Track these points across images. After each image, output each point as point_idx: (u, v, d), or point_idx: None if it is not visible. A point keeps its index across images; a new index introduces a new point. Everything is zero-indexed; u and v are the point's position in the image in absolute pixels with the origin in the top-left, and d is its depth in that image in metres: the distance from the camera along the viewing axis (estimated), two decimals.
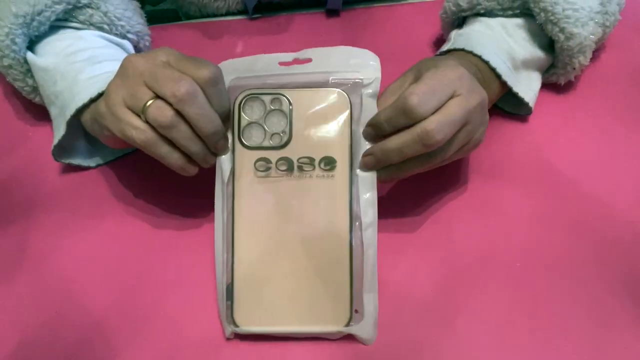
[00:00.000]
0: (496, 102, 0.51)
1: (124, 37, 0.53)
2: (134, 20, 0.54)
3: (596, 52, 0.56)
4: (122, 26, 0.52)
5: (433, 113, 0.37)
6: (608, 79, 0.55)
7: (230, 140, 0.41)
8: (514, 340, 0.40)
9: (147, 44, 0.57)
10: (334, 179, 0.40)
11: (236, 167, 0.41)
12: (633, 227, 0.45)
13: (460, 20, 0.54)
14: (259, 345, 0.40)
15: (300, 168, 0.40)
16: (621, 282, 0.42)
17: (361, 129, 0.41)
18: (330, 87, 0.41)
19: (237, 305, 0.40)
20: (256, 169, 0.41)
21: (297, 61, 0.43)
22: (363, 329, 0.39)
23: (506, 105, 0.52)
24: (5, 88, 0.58)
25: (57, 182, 0.51)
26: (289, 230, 0.40)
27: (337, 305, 0.39)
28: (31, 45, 0.50)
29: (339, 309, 0.39)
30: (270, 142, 0.41)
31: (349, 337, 0.40)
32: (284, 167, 0.40)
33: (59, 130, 0.47)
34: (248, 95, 0.41)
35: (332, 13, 0.65)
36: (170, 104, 0.37)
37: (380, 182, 0.41)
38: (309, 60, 0.42)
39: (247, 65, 0.43)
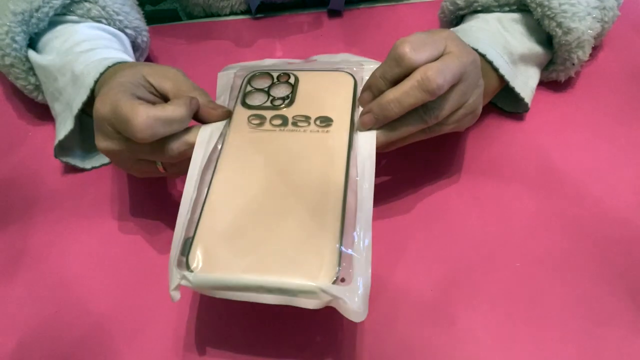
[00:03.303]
0: (493, 101, 0.51)
1: (122, 31, 0.53)
2: (132, 15, 0.54)
3: (595, 51, 0.56)
4: (120, 21, 0.53)
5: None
6: (607, 77, 0.55)
7: (232, 105, 0.42)
8: (513, 340, 0.39)
9: (145, 39, 0.57)
10: (329, 133, 0.39)
11: (232, 119, 0.41)
12: (633, 227, 0.44)
13: (458, 20, 0.54)
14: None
15: (294, 124, 0.40)
16: (621, 282, 0.41)
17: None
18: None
19: (196, 245, 0.33)
20: (249, 122, 0.40)
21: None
22: (351, 293, 0.31)
23: (504, 104, 0.52)
24: (5, 88, 0.58)
25: (57, 182, 0.51)
26: (274, 181, 0.37)
27: (321, 258, 0.32)
28: (32, 43, 0.50)
29: (324, 261, 0.32)
30: (271, 104, 0.41)
31: (348, 336, 0.39)
32: (277, 122, 0.40)
33: (65, 125, 0.47)
34: (257, 72, 0.42)
35: (335, 13, 0.65)
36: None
37: (378, 148, 0.40)
38: (314, 61, 0.44)
39: (254, 64, 0.44)
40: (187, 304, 0.42)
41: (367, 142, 0.39)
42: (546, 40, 0.50)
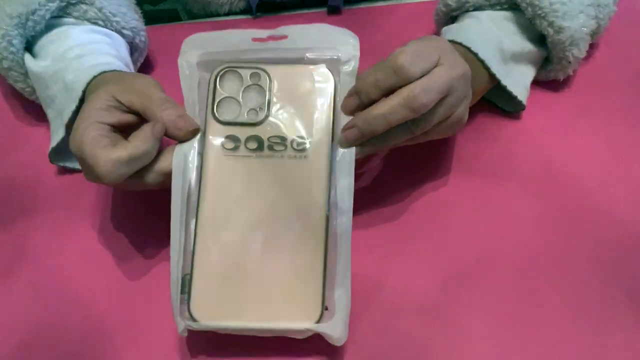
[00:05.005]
0: (491, 100, 0.51)
1: (119, 32, 0.53)
2: (129, 16, 0.54)
3: (594, 50, 0.55)
4: (117, 22, 0.52)
5: (419, 78, 0.37)
6: (606, 76, 0.55)
7: (203, 114, 0.39)
8: (514, 341, 0.39)
9: (143, 39, 0.56)
10: (307, 159, 0.38)
11: (207, 141, 0.38)
12: (633, 227, 0.44)
13: (453, 20, 0.54)
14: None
15: (270, 147, 0.38)
16: (621, 282, 0.41)
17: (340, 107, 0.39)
18: (306, 63, 0.39)
19: (195, 296, 0.36)
20: (223, 146, 0.38)
21: (271, 38, 0.41)
22: (333, 327, 0.35)
23: (504, 104, 0.52)
24: (5, 88, 0.58)
25: (57, 182, 0.51)
26: (258, 216, 0.37)
27: (308, 300, 0.36)
28: (29, 47, 0.50)
29: (310, 304, 0.36)
30: (246, 117, 0.39)
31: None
32: (253, 146, 0.38)
33: (58, 133, 0.47)
34: (226, 68, 0.39)
35: (334, 11, 0.65)
36: None
37: (360, 156, 0.39)
38: (285, 37, 0.41)
39: (216, 40, 0.41)
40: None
41: (346, 165, 0.38)
42: (539, 38, 0.50)
